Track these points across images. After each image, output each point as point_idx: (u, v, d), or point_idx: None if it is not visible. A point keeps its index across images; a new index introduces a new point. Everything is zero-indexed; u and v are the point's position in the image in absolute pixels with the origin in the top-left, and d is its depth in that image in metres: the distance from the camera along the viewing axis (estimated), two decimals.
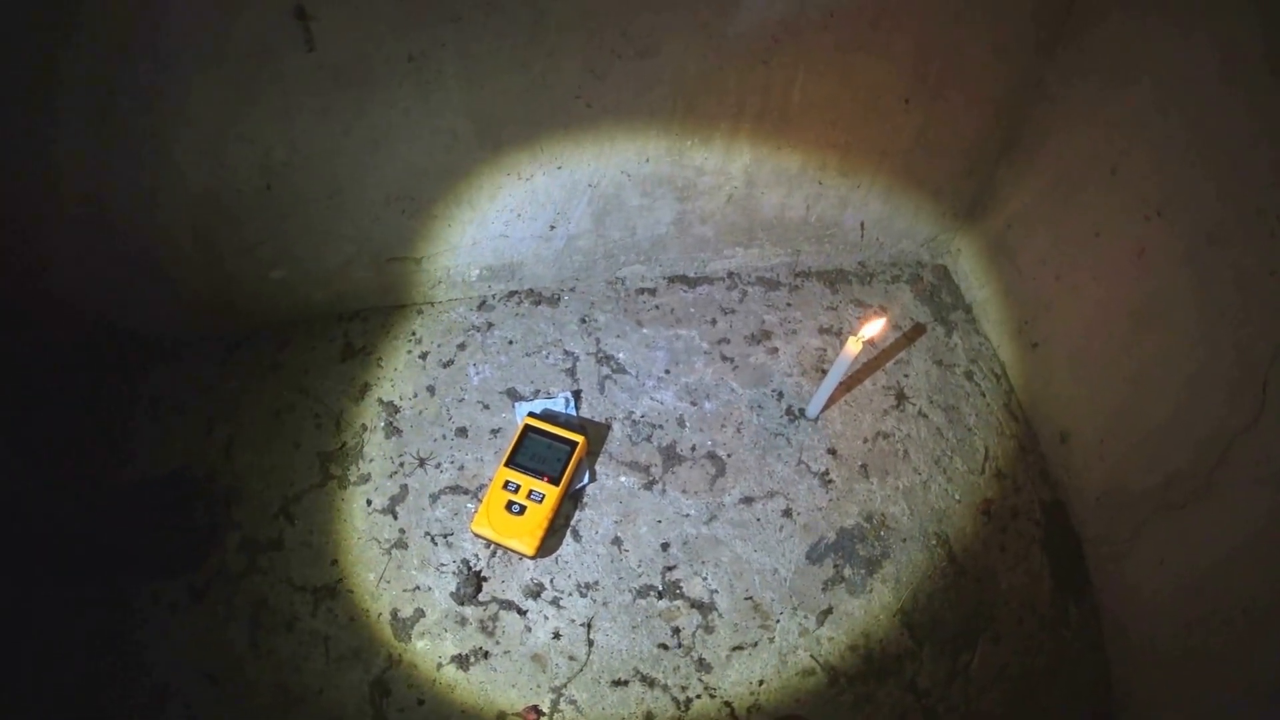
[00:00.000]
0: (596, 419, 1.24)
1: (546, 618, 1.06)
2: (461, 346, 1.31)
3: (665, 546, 1.13)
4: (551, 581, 1.09)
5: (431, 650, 1.04)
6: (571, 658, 1.04)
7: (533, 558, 1.09)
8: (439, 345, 1.31)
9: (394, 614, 1.06)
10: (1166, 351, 0.98)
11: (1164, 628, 0.98)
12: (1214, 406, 0.91)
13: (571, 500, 1.16)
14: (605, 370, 1.29)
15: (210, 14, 0.90)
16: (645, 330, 1.34)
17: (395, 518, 1.14)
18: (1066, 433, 1.17)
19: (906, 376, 1.30)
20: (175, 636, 1.04)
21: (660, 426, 1.24)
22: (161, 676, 1.01)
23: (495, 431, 1.22)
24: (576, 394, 1.26)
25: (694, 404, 1.26)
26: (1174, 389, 0.97)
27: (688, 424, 1.24)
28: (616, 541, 1.13)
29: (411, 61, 1.00)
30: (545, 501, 1.10)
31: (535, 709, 1.00)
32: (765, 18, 1.04)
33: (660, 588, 1.09)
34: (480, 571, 1.09)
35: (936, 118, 1.20)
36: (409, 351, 1.30)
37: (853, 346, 1.09)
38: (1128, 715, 1.03)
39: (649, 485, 1.18)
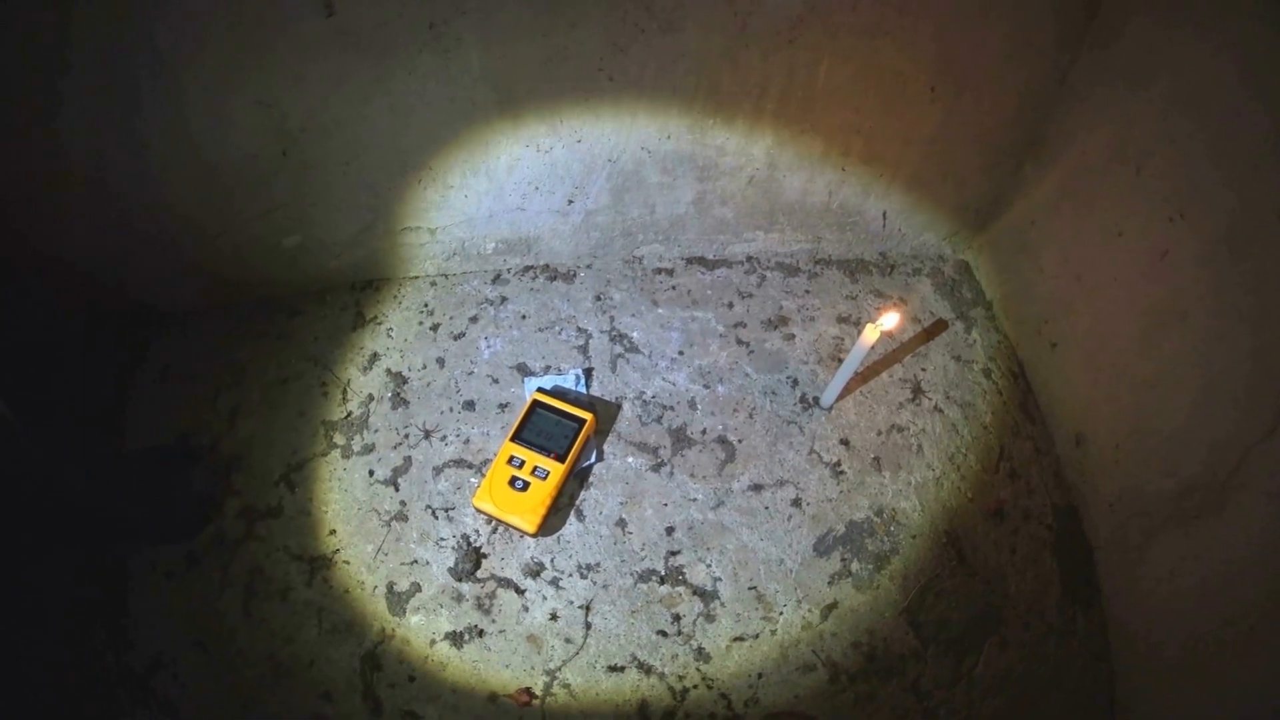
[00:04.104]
0: (607, 398, 1.22)
1: (545, 598, 1.05)
2: (474, 319, 1.30)
3: (670, 531, 1.11)
4: (552, 561, 1.08)
5: (426, 626, 1.02)
6: (568, 640, 1.02)
7: (534, 536, 1.08)
8: (451, 317, 1.30)
9: (390, 587, 1.05)
10: (1184, 356, 0.96)
11: (1171, 639, 0.96)
12: (1230, 415, 0.89)
13: (577, 479, 1.14)
14: (618, 349, 1.28)
15: None
16: (661, 310, 1.33)
17: (397, 489, 1.12)
18: (1082, 435, 1.15)
19: (924, 370, 1.28)
20: (168, 603, 1.03)
21: (671, 408, 1.22)
22: (152, 643, 1.00)
23: (503, 406, 1.21)
24: (588, 371, 1.25)
25: (707, 387, 1.24)
26: (1190, 395, 0.95)
27: (699, 407, 1.22)
28: (621, 523, 1.11)
29: (432, 29, 0.99)
30: (550, 479, 1.09)
31: (527, 691, 0.99)
32: None
33: (663, 573, 1.07)
34: (480, 548, 1.08)
35: (961, 109, 1.17)
36: (420, 323, 1.29)
37: (870, 334, 1.07)
38: None
39: (657, 467, 1.16)
